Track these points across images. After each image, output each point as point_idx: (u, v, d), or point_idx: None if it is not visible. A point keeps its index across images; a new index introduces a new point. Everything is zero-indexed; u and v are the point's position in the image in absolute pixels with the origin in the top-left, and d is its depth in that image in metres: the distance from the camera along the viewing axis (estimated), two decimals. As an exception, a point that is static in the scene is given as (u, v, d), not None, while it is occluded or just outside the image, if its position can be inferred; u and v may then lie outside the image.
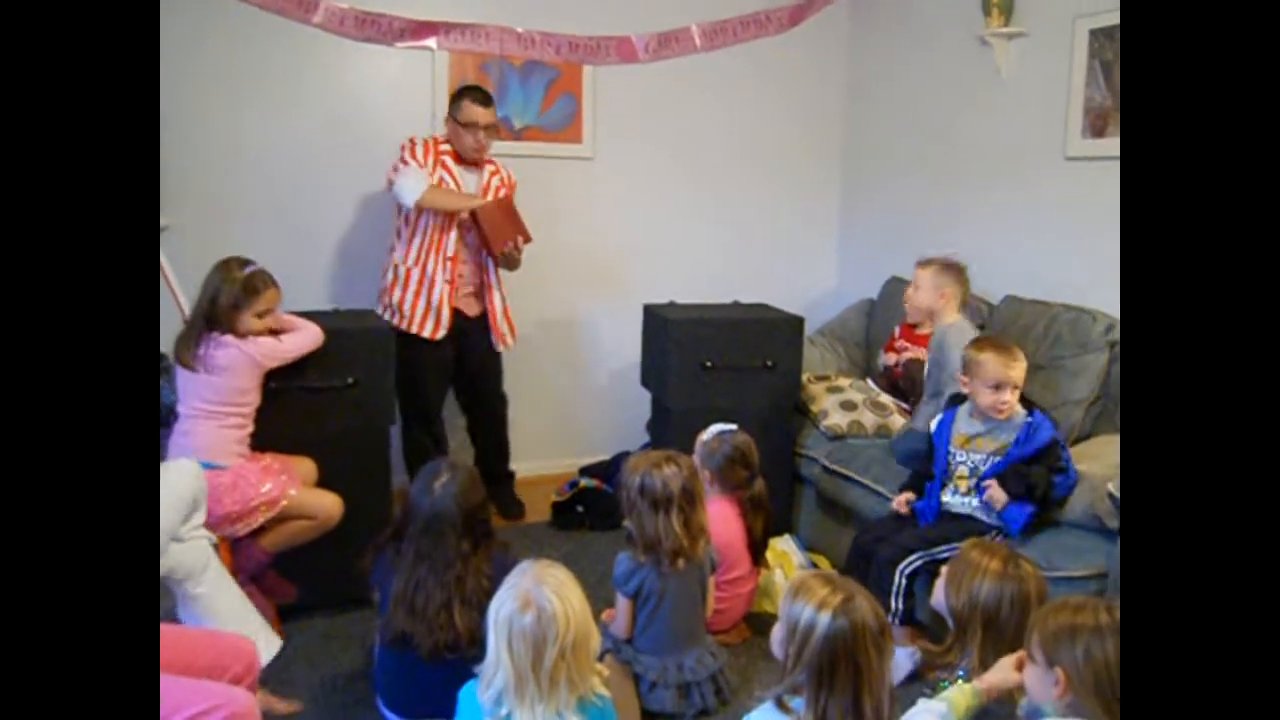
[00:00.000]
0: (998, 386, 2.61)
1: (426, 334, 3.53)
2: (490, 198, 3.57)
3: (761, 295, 3.98)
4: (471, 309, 3.67)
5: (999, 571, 1.92)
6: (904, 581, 2.57)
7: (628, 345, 3.99)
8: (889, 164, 4.40)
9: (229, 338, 2.63)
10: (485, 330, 3.71)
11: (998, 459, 2.65)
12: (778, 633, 1.77)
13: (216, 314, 2.63)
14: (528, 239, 3.54)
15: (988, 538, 2.52)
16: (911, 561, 2.57)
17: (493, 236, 3.44)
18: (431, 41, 3.84)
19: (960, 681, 1.80)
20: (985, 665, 1.82)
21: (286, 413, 2.77)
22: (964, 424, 2.76)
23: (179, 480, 2.37)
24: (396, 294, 3.53)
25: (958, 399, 2.82)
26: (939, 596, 2.02)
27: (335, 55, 3.76)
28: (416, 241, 3.50)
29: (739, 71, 4.39)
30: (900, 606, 2.57)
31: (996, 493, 2.60)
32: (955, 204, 3.96)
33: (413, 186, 3.38)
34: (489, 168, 3.64)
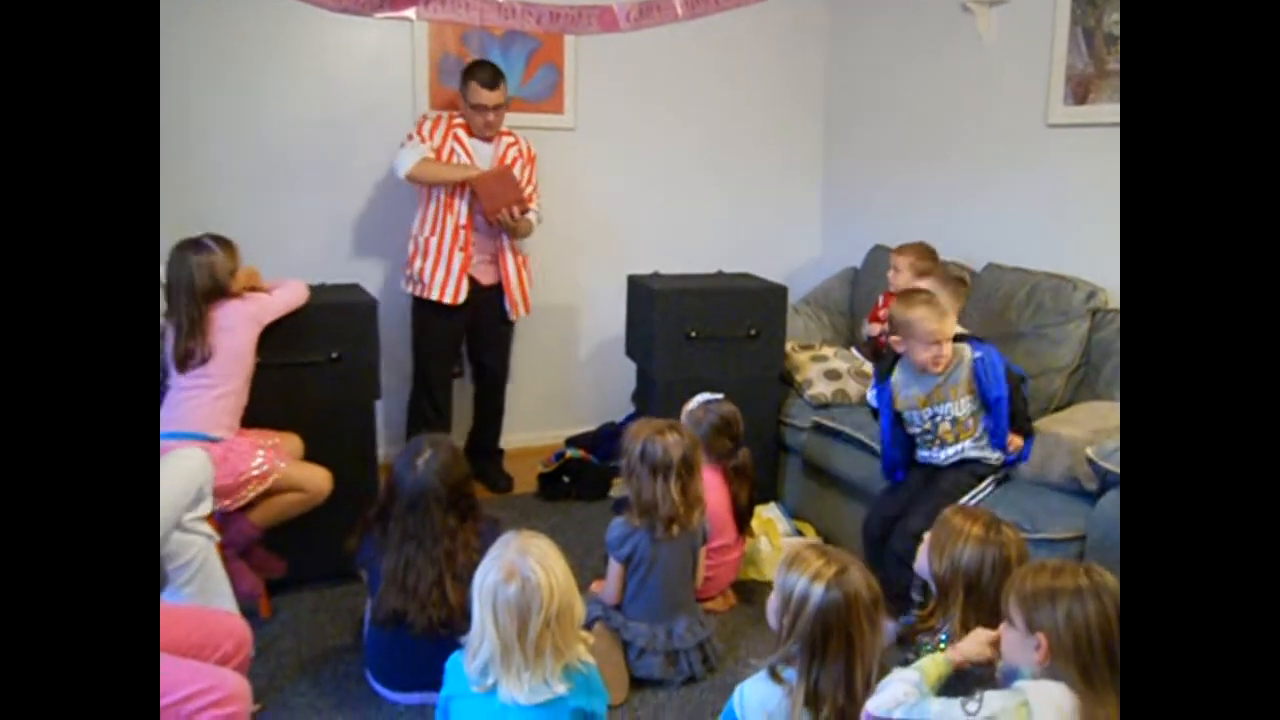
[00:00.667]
0: (936, 343, 2.64)
1: (447, 300, 3.58)
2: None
3: (745, 265, 3.98)
4: (487, 277, 3.69)
5: (980, 536, 1.94)
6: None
7: (612, 316, 3.99)
8: (872, 132, 4.39)
9: (225, 300, 2.63)
10: (499, 298, 3.74)
11: (971, 400, 2.70)
12: (772, 602, 1.80)
13: (215, 289, 2.62)
14: (523, 207, 3.55)
15: (988, 482, 2.68)
16: None
17: (486, 204, 3.46)
18: (411, 12, 3.82)
19: (941, 647, 1.83)
20: (967, 629, 1.84)
21: (270, 389, 2.76)
22: (915, 386, 2.75)
23: (186, 467, 2.36)
24: (417, 264, 3.60)
25: (883, 363, 2.85)
26: (922, 562, 2.04)
27: (312, 28, 3.71)
28: (431, 210, 3.57)
29: (721, 40, 4.37)
30: (922, 598, 2.56)
31: (1016, 439, 2.72)
32: (938, 172, 3.96)
33: (404, 160, 3.46)
34: (506, 139, 3.66)
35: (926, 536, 2.05)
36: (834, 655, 1.70)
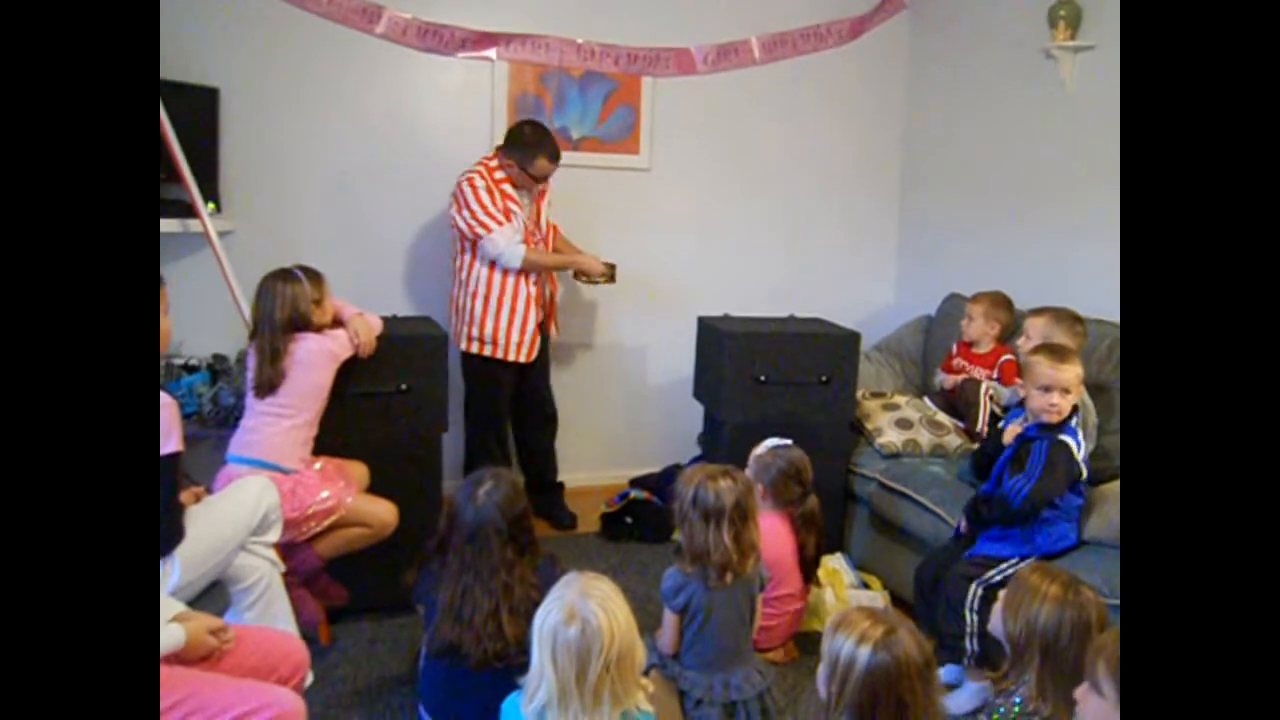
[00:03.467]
0: (1047, 389, 2.59)
1: (521, 359, 3.64)
2: (544, 218, 3.72)
3: (818, 310, 3.93)
4: (537, 340, 3.74)
5: (1059, 596, 1.85)
6: (975, 619, 2.51)
7: (681, 357, 3.97)
8: (949, 179, 4.33)
9: (307, 334, 2.67)
10: (544, 332, 3.78)
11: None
12: (820, 670, 1.72)
13: (300, 320, 2.65)
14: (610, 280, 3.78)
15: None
16: (975, 594, 2.53)
17: (585, 278, 3.78)
18: (492, 52, 3.89)
19: (1015, 711, 1.74)
20: (1043, 694, 1.76)
21: (339, 418, 2.79)
22: (1016, 425, 2.80)
23: (249, 493, 2.39)
24: (489, 325, 3.58)
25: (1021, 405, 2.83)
26: (996, 622, 1.96)
27: (397, 65, 3.81)
28: (495, 281, 3.57)
29: (798, 84, 4.37)
30: (976, 648, 2.51)
31: (964, 524, 2.76)
32: (1016, 220, 3.89)
33: (513, 252, 3.49)
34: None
35: (1001, 595, 1.97)
36: None
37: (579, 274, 3.76)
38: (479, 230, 3.44)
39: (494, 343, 3.59)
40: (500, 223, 3.45)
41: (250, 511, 2.35)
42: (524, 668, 1.82)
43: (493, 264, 3.53)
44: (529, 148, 3.50)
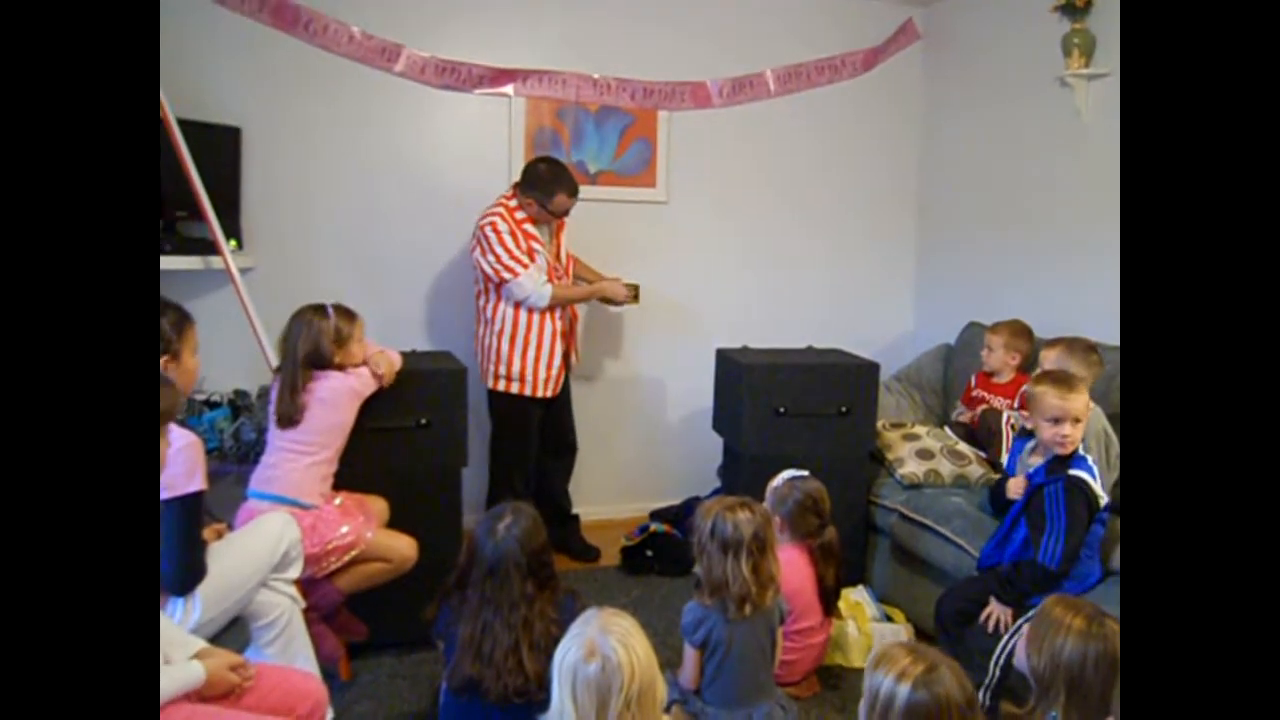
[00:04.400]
0: (1056, 420, 2.55)
1: (549, 394, 3.66)
2: (564, 250, 3.74)
3: (836, 340, 3.92)
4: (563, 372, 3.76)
5: (1083, 630, 1.82)
6: (998, 673, 2.44)
7: (700, 389, 3.97)
8: (966, 207, 4.33)
9: (329, 371, 2.68)
10: (566, 363, 3.79)
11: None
12: (861, 707, 1.71)
13: (319, 357, 2.66)
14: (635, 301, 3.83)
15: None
16: (1005, 647, 2.45)
17: (610, 301, 3.83)
18: (509, 88, 3.94)
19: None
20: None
21: (359, 452, 2.79)
22: (1026, 460, 2.73)
23: (269, 530, 2.40)
24: (516, 364, 3.59)
25: (1029, 432, 2.78)
26: (1020, 656, 1.93)
27: (416, 103, 3.86)
28: (521, 320, 3.58)
29: (814, 115, 4.39)
30: (989, 702, 2.43)
31: (996, 609, 2.57)
32: (1034, 248, 3.88)
33: (539, 293, 3.51)
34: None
35: (1025, 629, 1.95)
36: None
37: (605, 300, 3.79)
38: (505, 275, 3.47)
39: (521, 380, 3.60)
40: (525, 265, 3.47)
41: (271, 548, 2.35)
42: (545, 704, 1.81)
43: (518, 303, 3.55)
44: (547, 184, 3.52)
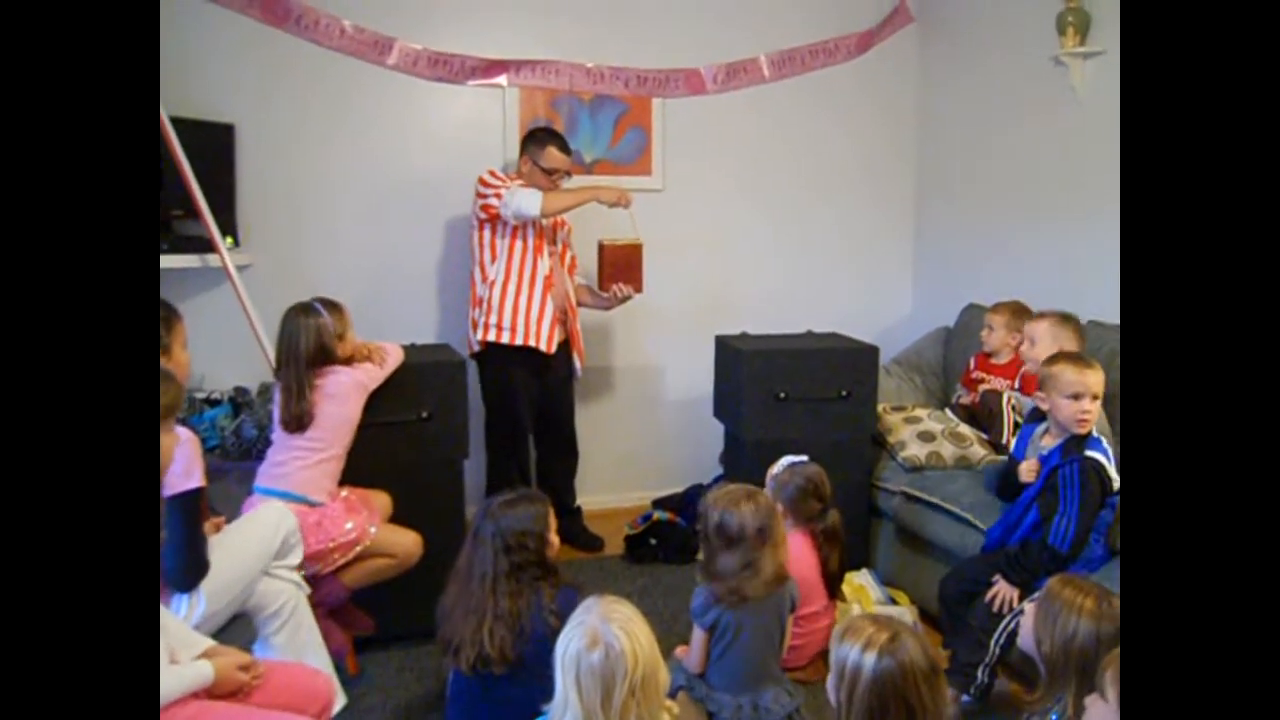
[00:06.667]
0: (1076, 396, 2.51)
1: (541, 345, 3.59)
2: (566, 249, 3.74)
3: (835, 324, 3.92)
4: (558, 335, 3.71)
5: (1094, 610, 1.79)
6: (997, 651, 2.42)
7: (700, 377, 3.96)
8: (963, 188, 4.32)
9: (335, 367, 2.67)
10: (566, 358, 3.77)
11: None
12: (830, 679, 1.72)
13: (324, 354, 2.65)
14: (638, 290, 3.69)
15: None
16: (1006, 628, 2.42)
17: (606, 273, 3.63)
18: (502, 79, 3.92)
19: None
20: (1080, 712, 1.73)
21: (361, 447, 2.79)
22: (1038, 443, 2.69)
23: (265, 519, 2.40)
24: (507, 313, 3.56)
25: (1038, 415, 2.74)
26: (1026, 638, 1.92)
27: (409, 96, 3.85)
28: (516, 262, 3.58)
29: (809, 99, 4.37)
30: (986, 680, 2.43)
31: (1004, 589, 2.53)
32: (1032, 228, 3.87)
33: (529, 202, 3.45)
34: None
35: (1029, 609, 1.94)
36: None
37: (606, 288, 3.69)
38: (496, 196, 3.47)
39: (513, 329, 3.55)
40: (509, 184, 3.50)
41: (270, 537, 2.36)
42: (508, 679, 1.82)
43: (507, 261, 3.54)
44: (541, 139, 3.58)
